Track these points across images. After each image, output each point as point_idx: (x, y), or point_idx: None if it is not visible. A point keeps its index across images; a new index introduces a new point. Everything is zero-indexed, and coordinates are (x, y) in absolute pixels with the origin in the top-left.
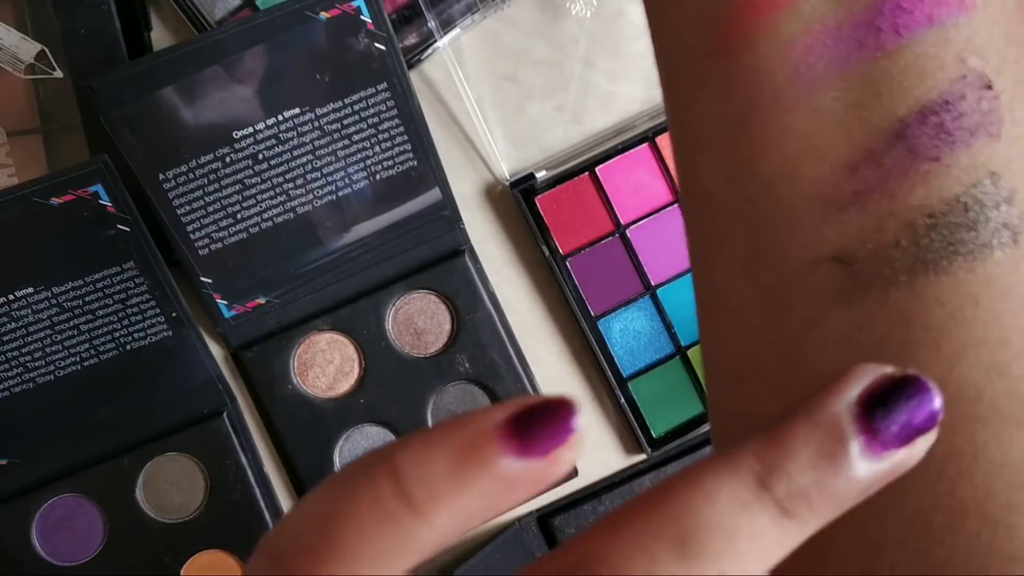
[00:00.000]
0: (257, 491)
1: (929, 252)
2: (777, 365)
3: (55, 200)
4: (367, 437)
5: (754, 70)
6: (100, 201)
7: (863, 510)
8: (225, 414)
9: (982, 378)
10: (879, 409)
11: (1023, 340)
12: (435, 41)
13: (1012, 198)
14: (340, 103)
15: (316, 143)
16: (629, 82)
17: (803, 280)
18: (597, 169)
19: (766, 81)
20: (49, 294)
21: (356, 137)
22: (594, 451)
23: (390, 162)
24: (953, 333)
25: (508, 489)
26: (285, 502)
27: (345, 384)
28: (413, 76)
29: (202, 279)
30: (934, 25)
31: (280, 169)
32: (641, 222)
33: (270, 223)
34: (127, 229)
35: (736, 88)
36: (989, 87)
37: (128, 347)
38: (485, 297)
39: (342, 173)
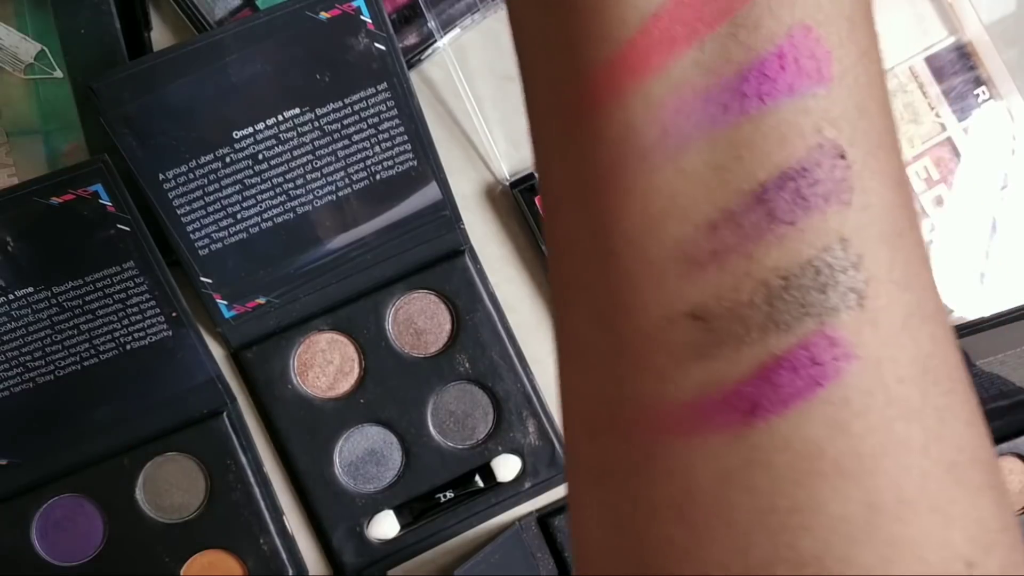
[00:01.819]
0: (257, 491)
1: (781, 313)
2: (632, 417)
3: (55, 200)
4: (367, 437)
5: (624, 127)
6: (100, 201)
7: (709, 560)
8: (225, 414)
9: (825, 436)
10: None
11: (863, 400)
12: (435, 41)
13: (860, 263)
14: (340, 103)
15: (316, 143)
16: None
17: (660, 334)
18: None
19: (635, 139)
20: (49, 294)
21: (356, 137)
22: None
23: (390, 162)
24: None
25: None
26: (285, 502)
27: (345, 384)
28: (413, 76)
29: (202, 279)
30: (795, 95)
31: (280, 169)
32: None
33: (270, 223)
34: (127, 229)
35: (605, 143)
36: (843, 156)
37: (128, 347)
38: (485, 297)
39: (342, 173)
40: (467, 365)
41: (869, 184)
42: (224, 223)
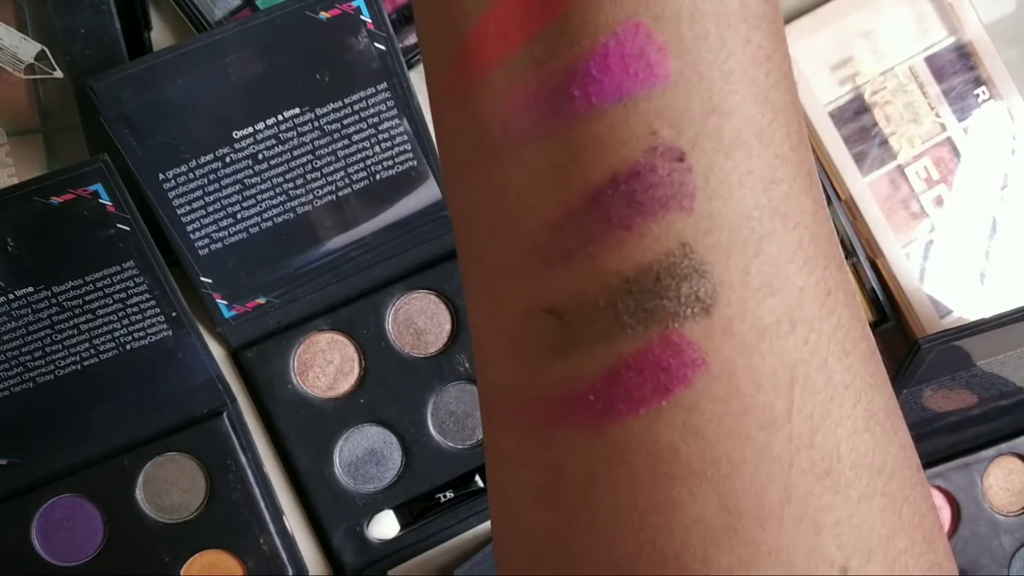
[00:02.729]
0: (257, 491)
1: (624, 316)
2: (511, 405)
3: (55, 199)
4: (367, 437)
5: (475, 118)
6: (100, 200)
7: (580, 552)
8: (225, 414)
9: (678, 439)
10: None
11: (716, 407)
12: None
13: (704, 271)
14: (340, 103)
15: (316, 143)
16: None
17: (526, 327)
18: None
19: (485, 130)
20: (49, 293)
21: (356, 137)
22: None
23: (390, 162)
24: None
25: None
26: (285, 502)
27: (345, 384)
28: (413, 76)
29: (202, 279)
30: (623, 95)
31: (280, 169)
32: None
33: (270, 223)
34: (127, 229)
35: (463, 133)
36: (681, 159)
37: (128, 347)
38: None
39: (342, 173)
40: (467, 365)
41: (719, 187)
42: (224, 223)
